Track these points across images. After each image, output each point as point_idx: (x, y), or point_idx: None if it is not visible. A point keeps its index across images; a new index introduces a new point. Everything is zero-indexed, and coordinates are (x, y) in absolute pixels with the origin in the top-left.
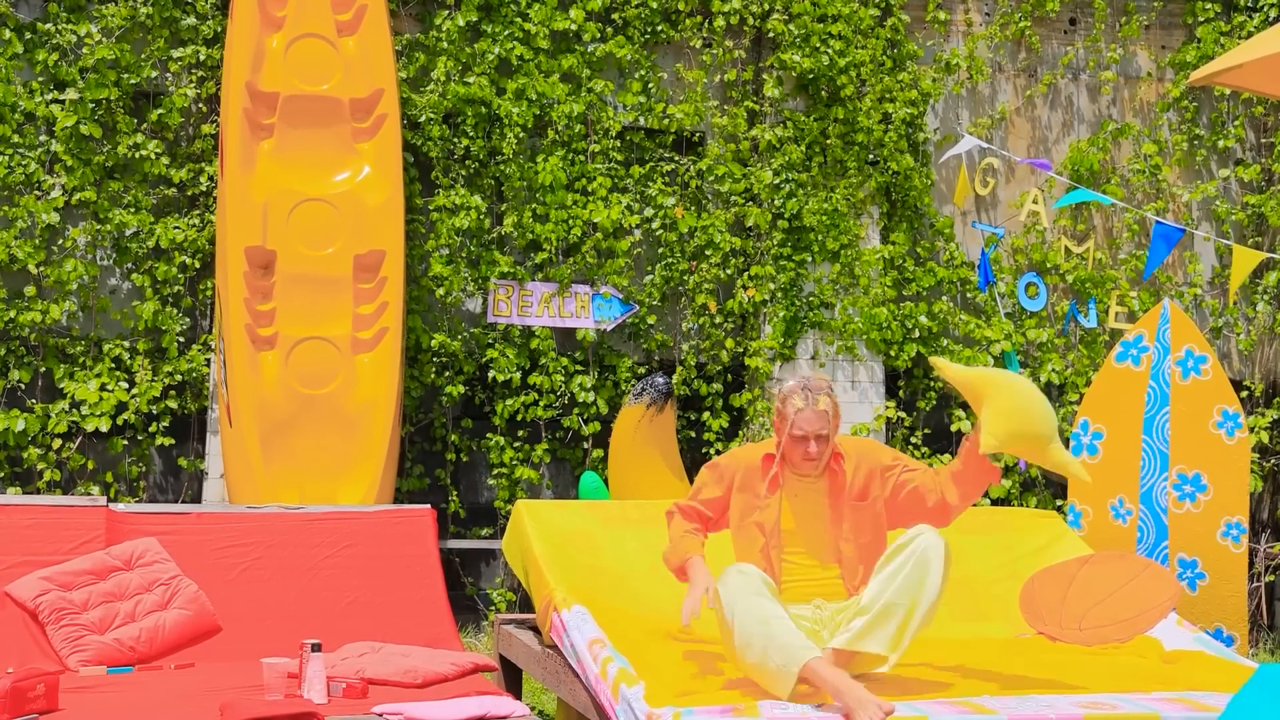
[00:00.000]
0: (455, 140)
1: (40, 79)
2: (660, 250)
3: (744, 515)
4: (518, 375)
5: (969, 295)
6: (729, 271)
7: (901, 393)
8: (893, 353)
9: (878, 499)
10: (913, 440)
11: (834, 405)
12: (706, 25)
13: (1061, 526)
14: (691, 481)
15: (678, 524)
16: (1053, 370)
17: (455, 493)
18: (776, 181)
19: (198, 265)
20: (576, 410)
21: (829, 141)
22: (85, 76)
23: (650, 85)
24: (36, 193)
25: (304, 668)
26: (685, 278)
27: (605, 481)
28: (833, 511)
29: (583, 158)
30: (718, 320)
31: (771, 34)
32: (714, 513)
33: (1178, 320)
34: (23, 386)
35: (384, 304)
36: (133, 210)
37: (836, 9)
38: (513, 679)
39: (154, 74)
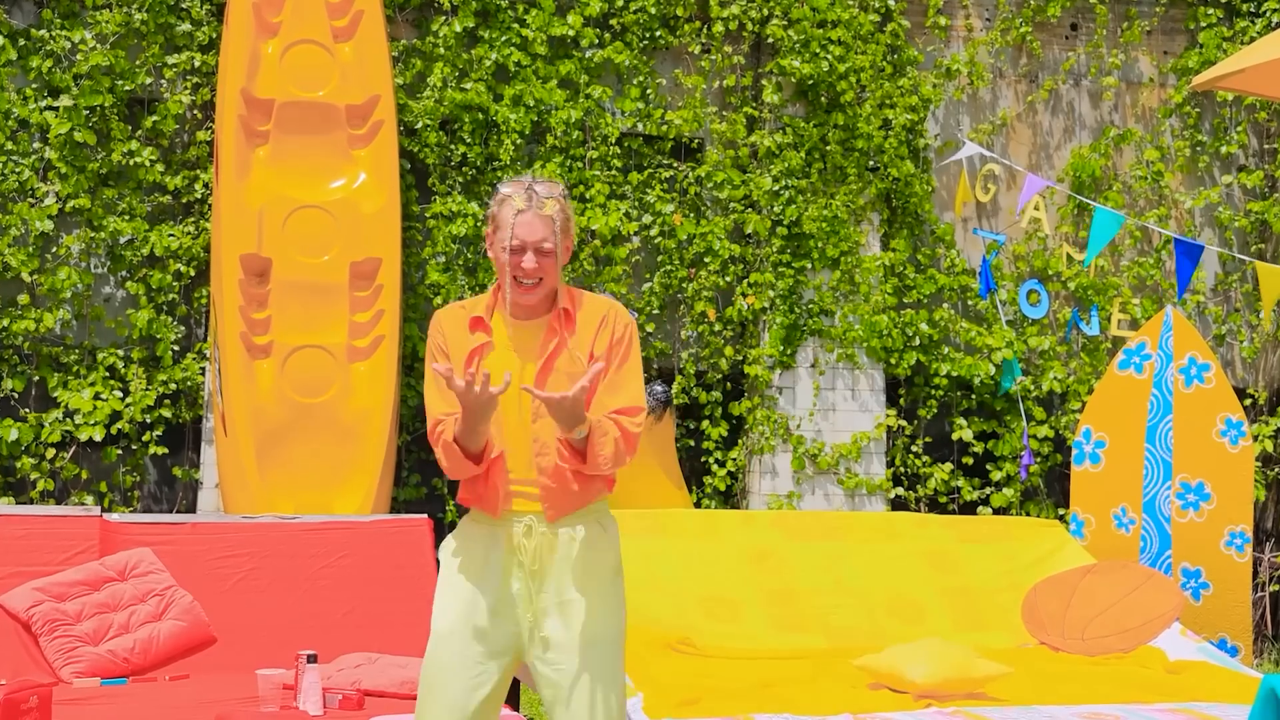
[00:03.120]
0: (452, 147)
1: (34, 85)
2: (659, 257)
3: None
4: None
5: (970, 302)
6: (728, 279)
7: (902, 401)
8: (893, 360)
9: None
10: (913, 449)
11: (565, 217)
12: (705, 31)
13: (1063, 536)
14: (691, 490)
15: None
16: (1055, 378)
17: (452, 502)
18: (776, 188)
19: (192, 273)
20: None
21: (829, 148)
22: (79, 83)
23: (649, 91)
24: (30, 200)
25: (299, 679)
26: (684, 285)
27: None
28: (543, 354)
29: (581, 164)
30: (717, 328)
31: (771, 39)
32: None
33: (1181, 327)
34: (16, 396)
35: (380, 312)
36: (127, 218)
37: (836, 14)
38: (510, 690)
39: (148, 80)
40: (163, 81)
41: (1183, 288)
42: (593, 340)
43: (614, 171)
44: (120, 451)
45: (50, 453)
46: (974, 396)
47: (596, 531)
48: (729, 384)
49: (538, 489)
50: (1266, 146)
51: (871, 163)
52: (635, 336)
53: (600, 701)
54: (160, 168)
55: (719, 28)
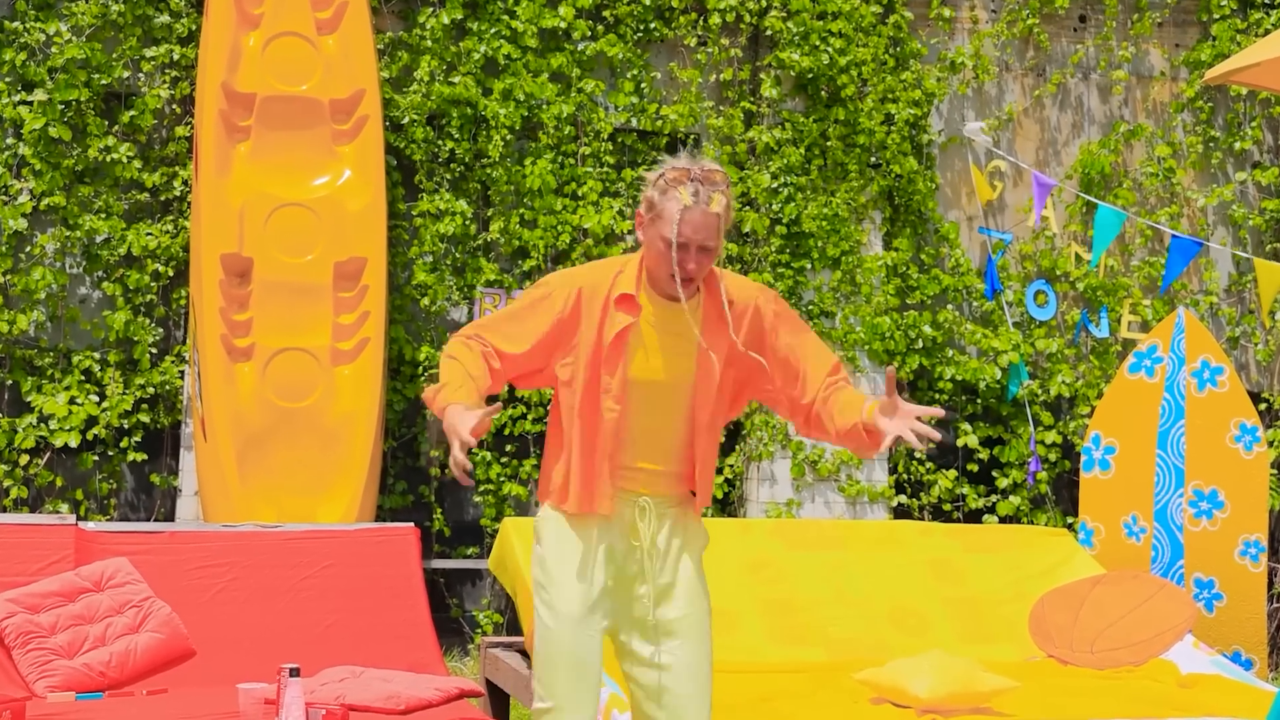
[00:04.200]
0: (440, 143)
1: (7, 79)
2: None
3: (582, 355)
4: (505, 388)
5: (975, 304)
6: None
7: None
8: (896, 364)
9: (752, 364)
10: (916, 455)
11: (729, 210)
12: (701, 23)
13: (1072, 545)
14: None
15: (461, 356)
16: (1063, 382)
17: (440, 510)
18: (774, 185)
19: (171, 273)
20: None
21: (829, 144)
22: (54, 77)
23: (643, 85)
24: (3, 198)
25: (282, 694)
26: None
27: None
28: (712, 342)
29: (573, 160)
30: None
31: (769, 32)
32: (520, 359)
33: (1193, 330)
34: None
35: (365, 313)
36: (104, 216)
37: (837, 6)
38: (500, 705)
39: (126, 74)
40: (140, 75)
41: (1167, 283)
42: (750, 325)
43: (607, 168)
44: (96, 458)
45: (24, 459)
46: (979, 401)
47: (692, 515)
48: None
49: (671, 474)
50: None
51: (873, 159)
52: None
53: (706, 684)
54: (138, 164)
55: (715, 19)
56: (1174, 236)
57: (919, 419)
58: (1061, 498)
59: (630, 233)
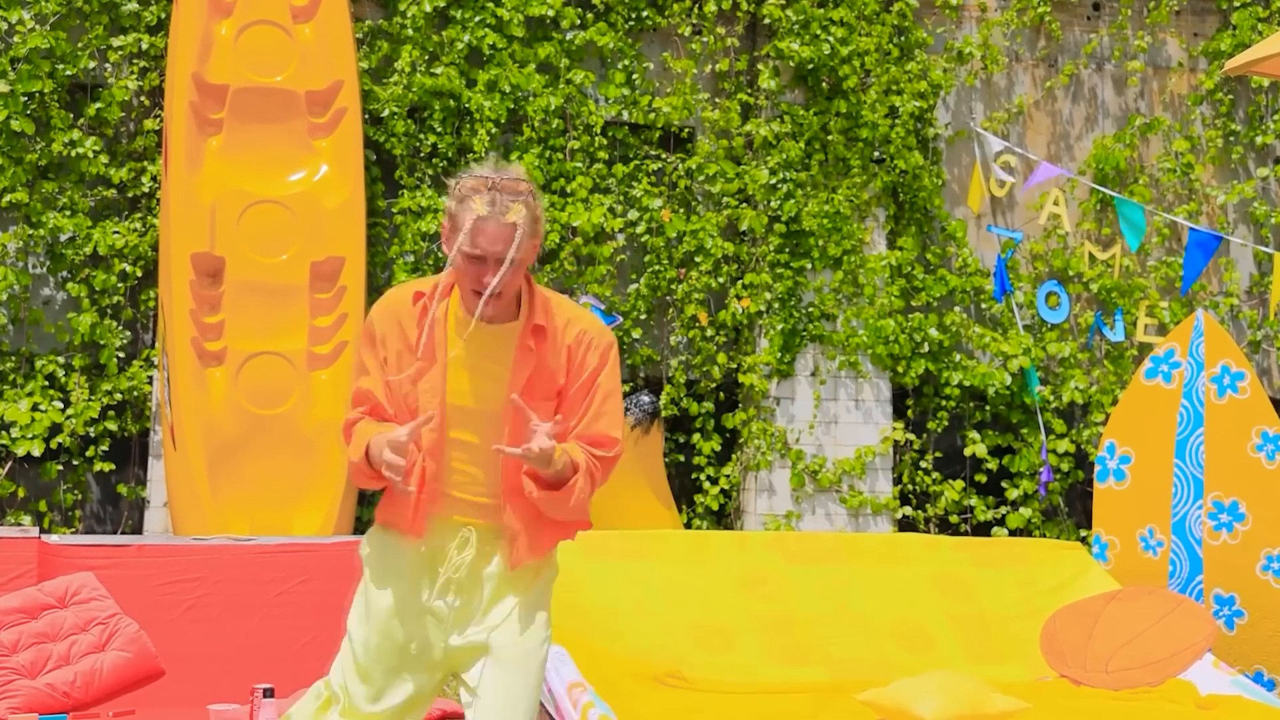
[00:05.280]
0: (421, 137)
1: None
2: (646, 257)
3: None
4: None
5: (984, 306)
6: (721, 280)
7: (910, 412)
8: (900, 369)
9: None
10: (922, 464)
11: (532, 220)
12: (696, 11)
13: (1086, 559)
14: (681, 510)
15: (358, 431)
16: (1076, 388)
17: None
18: (773, 181)
19: (139, 274)
20: None
21: (830, 138)
22: (16, 67)
23: (635, 76)
24: None
25: (255, 715)
26: (673, 287)
27: None
28: (516, 375)
29: (561, 155)
30: (709, 333)
31: (767, 20)
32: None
33: (1213, 333)
34: None
35: (343, 316)
36: (68, 213)
37: None
38: None
39: (92, 64)
40: (107, 65)
41: (1189, 282)
42: (568, 362)
43: (597, 164)
44: (60, 467)
45: None
46: (988, 408)
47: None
48: (722, 394)
49: (496, 515)
50: None
51: (877, 154)
52: (616, 358)
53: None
54: (104, 159)
55: (711, 7)
56: (1191, 230)
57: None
58: (1074, 509)
59: (621, 230)
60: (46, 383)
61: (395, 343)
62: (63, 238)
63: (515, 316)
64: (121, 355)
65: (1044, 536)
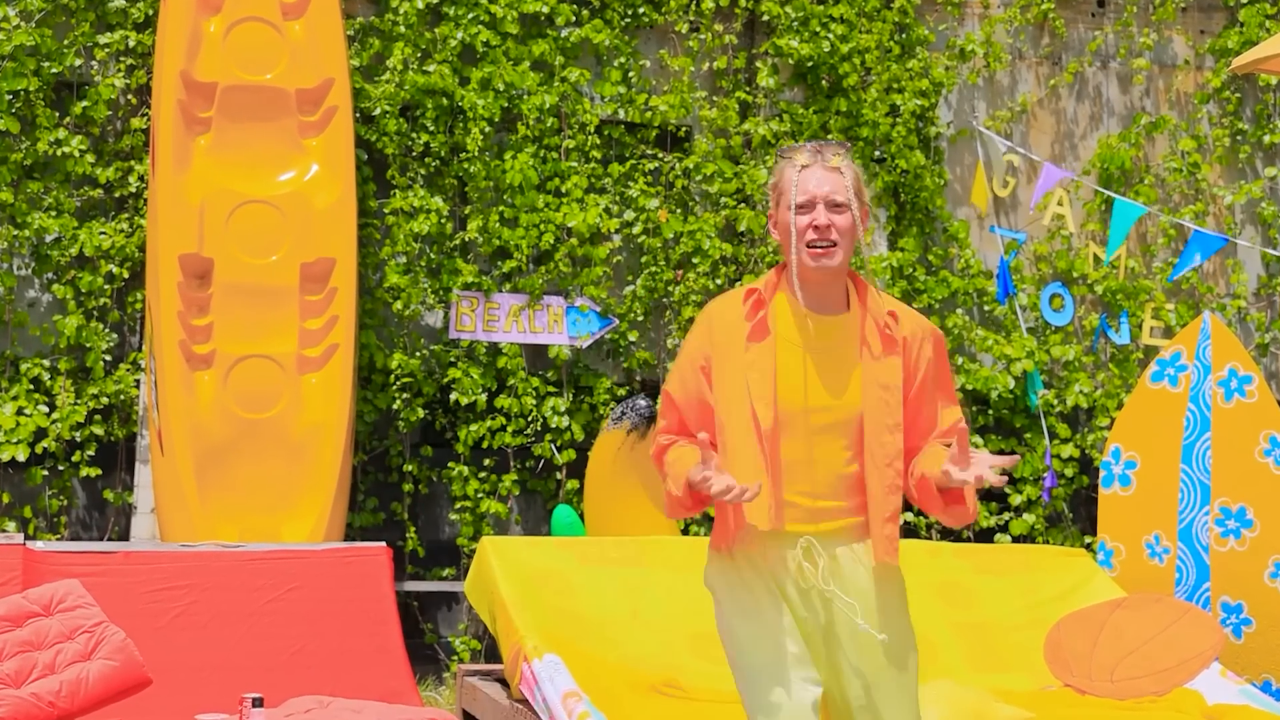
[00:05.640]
0: (414, 135)
1: None
2: (642, 258)
3: (728, 385)
4: (483, 398)
5: (986, 308)
6: (719, 281)
7: None
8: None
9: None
10: None
11: (856, 177)
12: (694, 8)
13: (1091, 566)
14: None
15: (670, 462)
16: (1080, 392)
17: (413, 529)
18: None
19: (126, 275)
20: (549, 437)
21: (830, 137)
22: (1, 65)
23: (631, 74)
24: None
25: None
26: (670, 288)
27: (581, 516)
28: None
29: (556, 155)
30: None
31: (766, 17)
32: (703, 417)
33: (1220, 336)
34: None
35: (334, 318)
36: (54, 214)
37: None
38: None
39: (78, 62)
40: (94, 63)
41: (1177, 271)
42: (904, 354)
43: (593, 163)
44: (46, 473)
45: None
46: (991, 412)
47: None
48: None
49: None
50: None
51: (877, 153)
52: (945, 344)
53: None
54: (91, 159)
55: (709, 4)
56: (1195, 231)
57: (991, 468)
58: (1079, 516)
59: (617, 231)
60: (31, 386)
61: (724, 342)
62: (48, 239)
63: (845, 308)
64: (108, 358)
65: (1048, 543)
